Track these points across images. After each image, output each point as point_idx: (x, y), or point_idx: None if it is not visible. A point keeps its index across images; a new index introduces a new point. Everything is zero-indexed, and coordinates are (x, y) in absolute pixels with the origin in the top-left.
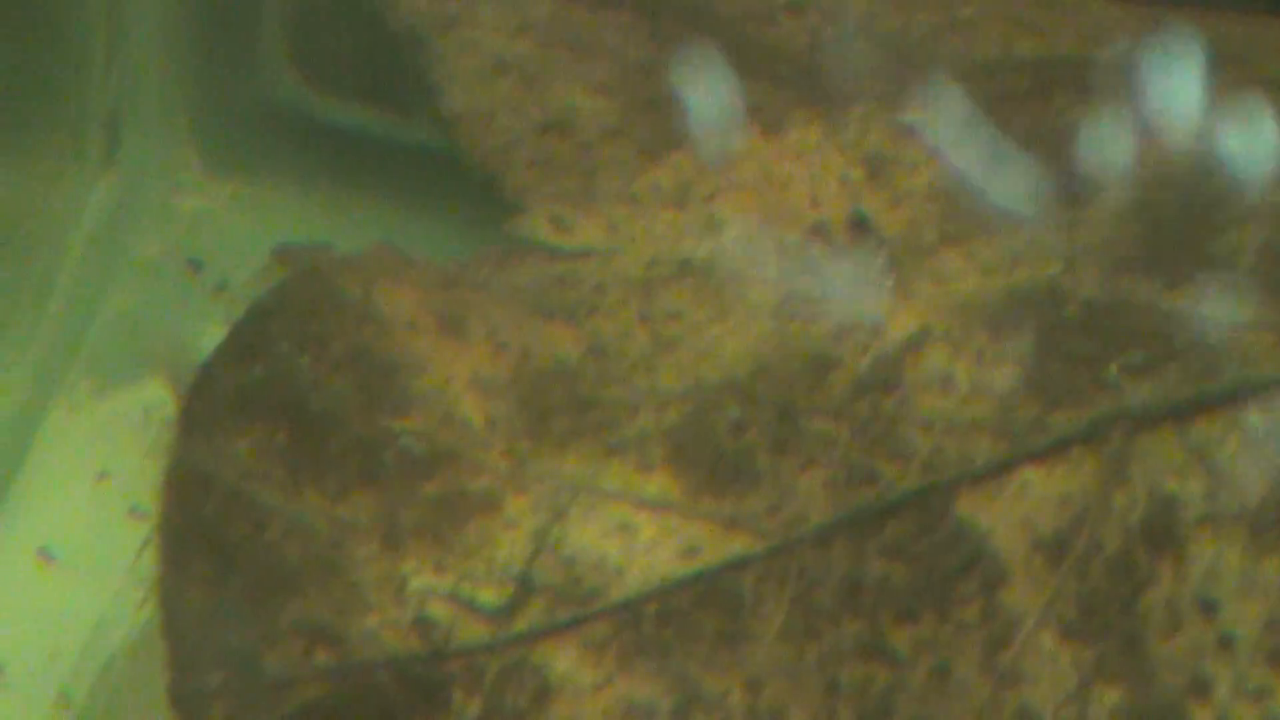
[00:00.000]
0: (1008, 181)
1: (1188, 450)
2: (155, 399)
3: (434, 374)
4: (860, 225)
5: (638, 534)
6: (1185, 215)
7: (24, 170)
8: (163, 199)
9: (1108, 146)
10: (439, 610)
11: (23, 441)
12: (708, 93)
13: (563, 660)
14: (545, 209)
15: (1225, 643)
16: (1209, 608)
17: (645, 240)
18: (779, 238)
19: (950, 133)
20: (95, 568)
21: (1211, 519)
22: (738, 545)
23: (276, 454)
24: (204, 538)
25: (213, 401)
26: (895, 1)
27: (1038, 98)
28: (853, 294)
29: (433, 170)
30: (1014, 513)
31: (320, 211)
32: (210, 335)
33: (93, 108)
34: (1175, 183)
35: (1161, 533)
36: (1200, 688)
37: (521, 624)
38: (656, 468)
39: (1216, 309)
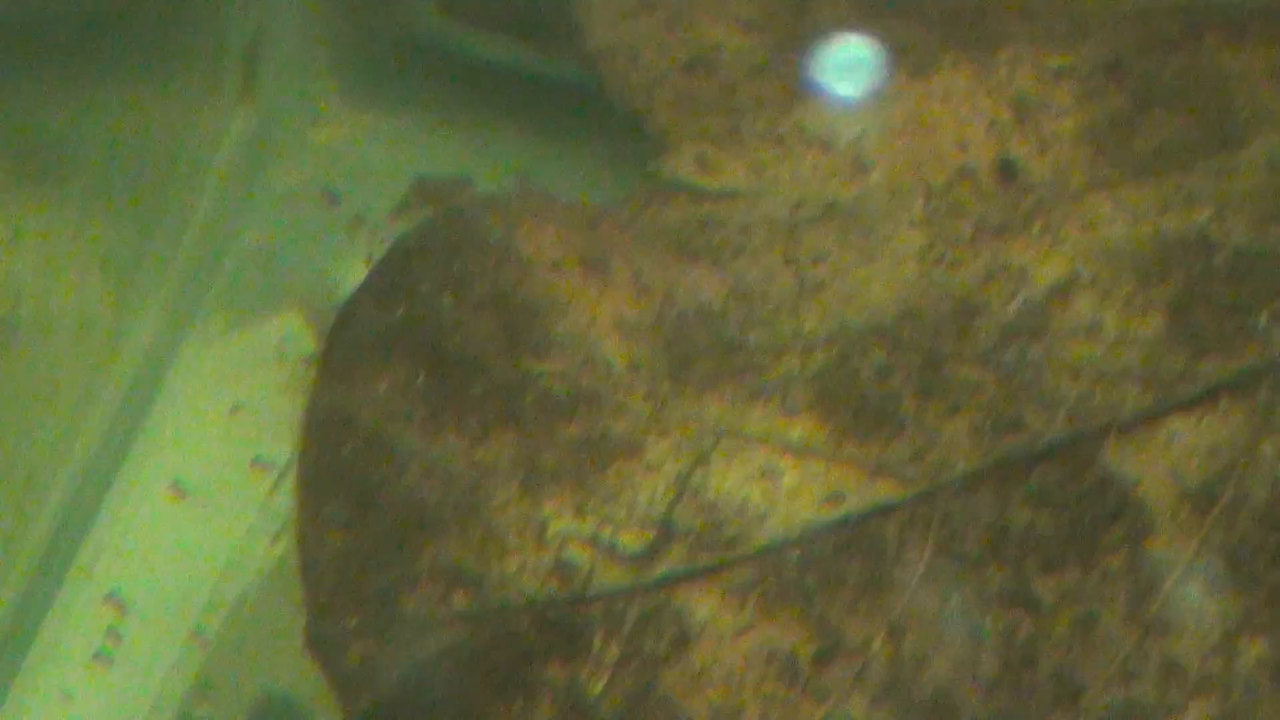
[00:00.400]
0: (1156, 127)
1: None
2: (290, 333)
3: (576, 316)
4: (1008, 169)
5: (781, 479)
6: None
7: (162, 103)
8: (300, 131)
9: (1259, 93)
10: (579, 554)
11: (157, 375)
12: (855, 33)
13: (703, 606)
14: (690, 149)
15: None
16: None
17: (791, 182)
18: (925, 181)
19: (1098, 78)
20: (227, 504)
21: None
22: (882, 491)
23: (417, 395)
24: (342, 480)
25: (354, 342)
26: None
27: (1189, 43)
28: (999, 239)
29: (573, 106)
30: (1161, 462)
31: (458, 145)
32: (347, 269)
33: (231, 40)
34: None
35: None
36: None
37: (662, 569)
38: (800, 412)
39: None
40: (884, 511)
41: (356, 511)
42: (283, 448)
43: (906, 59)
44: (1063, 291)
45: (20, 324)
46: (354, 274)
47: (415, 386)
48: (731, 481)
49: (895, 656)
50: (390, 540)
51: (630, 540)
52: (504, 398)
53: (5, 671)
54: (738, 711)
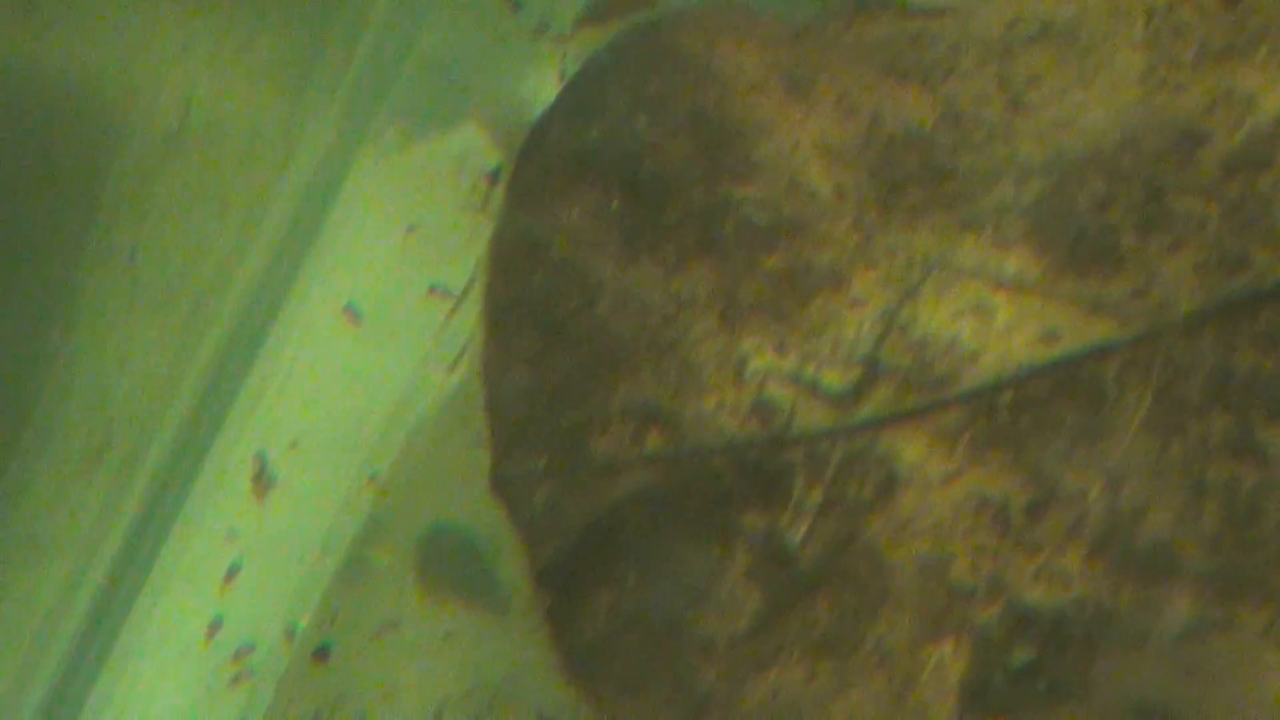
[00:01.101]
0: None
1: None
2: (470, 147)
3: (779, 139)
4: None
5: (994, 316)
6: None
7: None
8: None
9: None
10: (780, 393)
11: (329, 191)
12: None
13: (911, 450)
14: None
15: None
16: None
17: None
18: (1147, 0)
19: None
20: (401, 330)
21: None
22: (1100, 331)
23: (610, 222)
24: (531, 311)
25: (544, 165)
26: None
27: None
28: (1224, 63)
29: None
30: None
31: None
32: (530, 78)
33: None
34: None
35: None
36: None
37: (868, 409)
38: (1015, 245)
39: None
40: (1102, 353)
41: (545, 345)
42: (461, 271)
43: None
44: None
45: (189, 137)
46: (537, 84)
47: (608, 212)
48: (941, 318)
49: (1112, 507)
50: (580, 376)
51: (834, 379)
52: (702, 225)
53: (169, 507)
54: (945, 563)
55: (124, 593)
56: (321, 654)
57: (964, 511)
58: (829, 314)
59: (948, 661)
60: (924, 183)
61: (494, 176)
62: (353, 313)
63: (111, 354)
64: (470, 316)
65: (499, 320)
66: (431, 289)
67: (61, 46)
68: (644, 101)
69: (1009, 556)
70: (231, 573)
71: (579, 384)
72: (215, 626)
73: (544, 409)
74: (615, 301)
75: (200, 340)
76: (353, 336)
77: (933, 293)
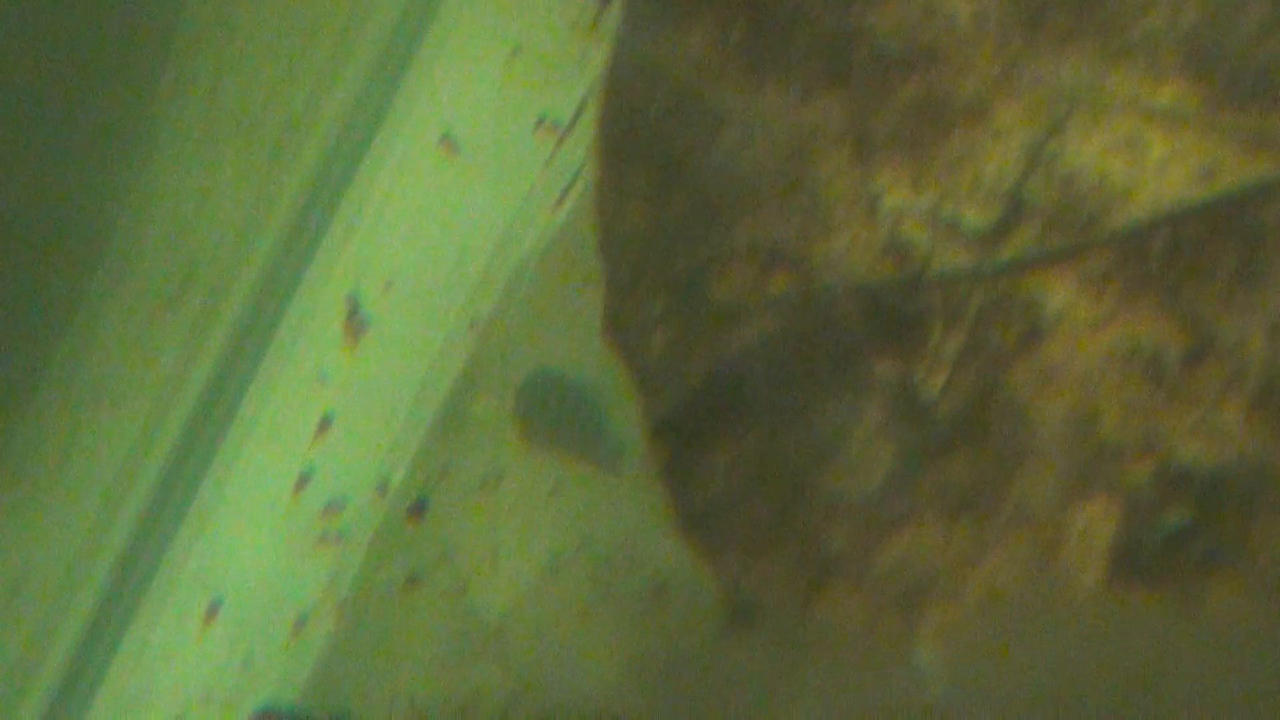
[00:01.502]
0: None
1: None
2: None
3: None
4: None
5: (1147, 151)
6: None
7: None
8: None
9: None
10: (916, 232)
11: (427, 11)
12: None
13: (1057, 294)
14: None
15: None
16: None
17: None
18: None
19: None
20: (504, 162)
21: None
22: (1263, 168)
23: (734, 48)
24: (648, 144)
25: None
26: None
27: None
28: None
29: None
30: None
31: None
32: None
33: None
34: None
35: None
36: None
37: (1010, 250)
38: (1169, 74)
39: None
40: (1264, 191)
41: (663, 180)
42: (570, 98)
43: None
44: None
45: None
46: None
47: (732, 37)
48: (1090, 152)
49: (1274, 358)
50: (701, 213)
51: (974, 217)
52: (832, 52)
53: (253, 352)
54: (1094, 416)
55: (204, 445)
56: (417, 510)
57: (1114, 361)
58: (969, 148)
59: (1096, 523)
60: (1071, 7)
61: None
62: (451, 143)
63: (192, 188)
64: (579, 148)
65: (613, 153)
66: (538, 119)
67: None
68: None
69: (1163, 411)
70: (321, 423)
71: (699, 222)
72: (303, 481)
73: (662, 248)
74: (739, 134)
75: (287, 172)
76: (451, 169)
77: (1081, 125)
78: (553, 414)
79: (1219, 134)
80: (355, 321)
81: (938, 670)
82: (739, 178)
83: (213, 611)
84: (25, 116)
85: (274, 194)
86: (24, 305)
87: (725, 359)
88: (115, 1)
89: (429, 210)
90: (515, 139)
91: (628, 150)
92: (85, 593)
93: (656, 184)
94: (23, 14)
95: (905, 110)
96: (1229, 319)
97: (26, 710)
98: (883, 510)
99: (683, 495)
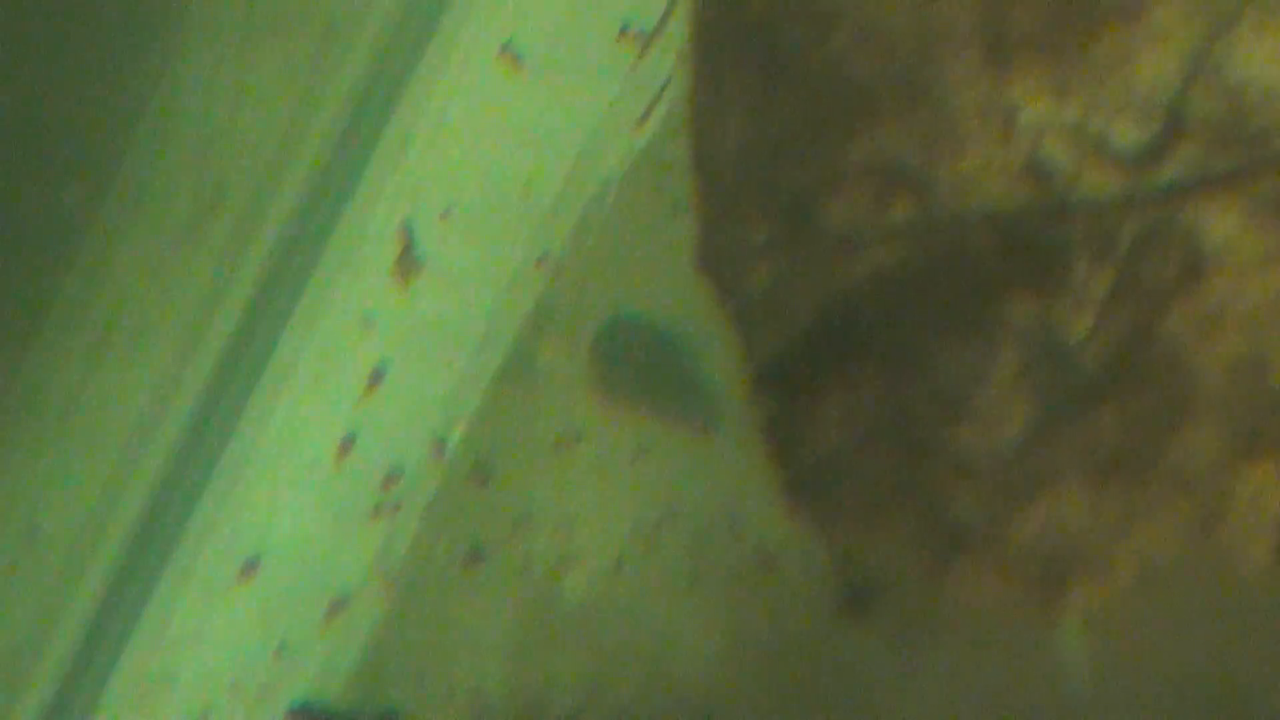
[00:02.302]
0: None
1: None
2: None
3: None
4: None
5: None
6: None
7: None
8: None
9: None
10: (1059, 150)
11: None
12: None
13: (1221, 224)
14: None
15: None
16: None
17: None
18: None
19: None
20: (577, 74)
21: None
22: None
23: None
24: (749, 46)
25: None
26: None
27: None
28: None
29: None
30: None
31: None
32: None
33: None
34: None
35: None
36: None
37: (1169, 172)
38: None
39: None
40: None
41: (767, 88)
42: (657, 5)
43: None
44: None
45: None
46: None
47: None
48: (1261, 59)
49: None
50: (810, 127)
51: (1126, 134)
52: None
53: (291, 288)
54: (1263, 365)
55: (234, 394)
56: (480, 475)
57: None
58: (1121, 52)
59: (1266, 489)
60: None
61: None
62: (514, 53)
63: (223, 94)
64: (667, 56)
65: (708, 59)
66: (620, 25)
67: None
68: None
69: None
70: (367, 373)
71: (808, 136)
72: (349, 439)
73: (765, 168)
74: (855, 34)
75: (331, 79)
76: (516, 83)
77: (1252, 27)
78: (635, 363)
79: None
80: (408, 256)
81: (1082, 658)
82: (855, 85)
83: (243, 586)
84: None
85: (315, 105)
86: (25, 227)
87: (838, 296)
88: None
89: (491, 130)
90: (591, 47)
91: (725, 55)
92: (98, 561)
93: (760, 93)
94: None
95: (1047, 7)
96: None
97: (31, 696)
98: (1020, 472)
99: (789, 456)
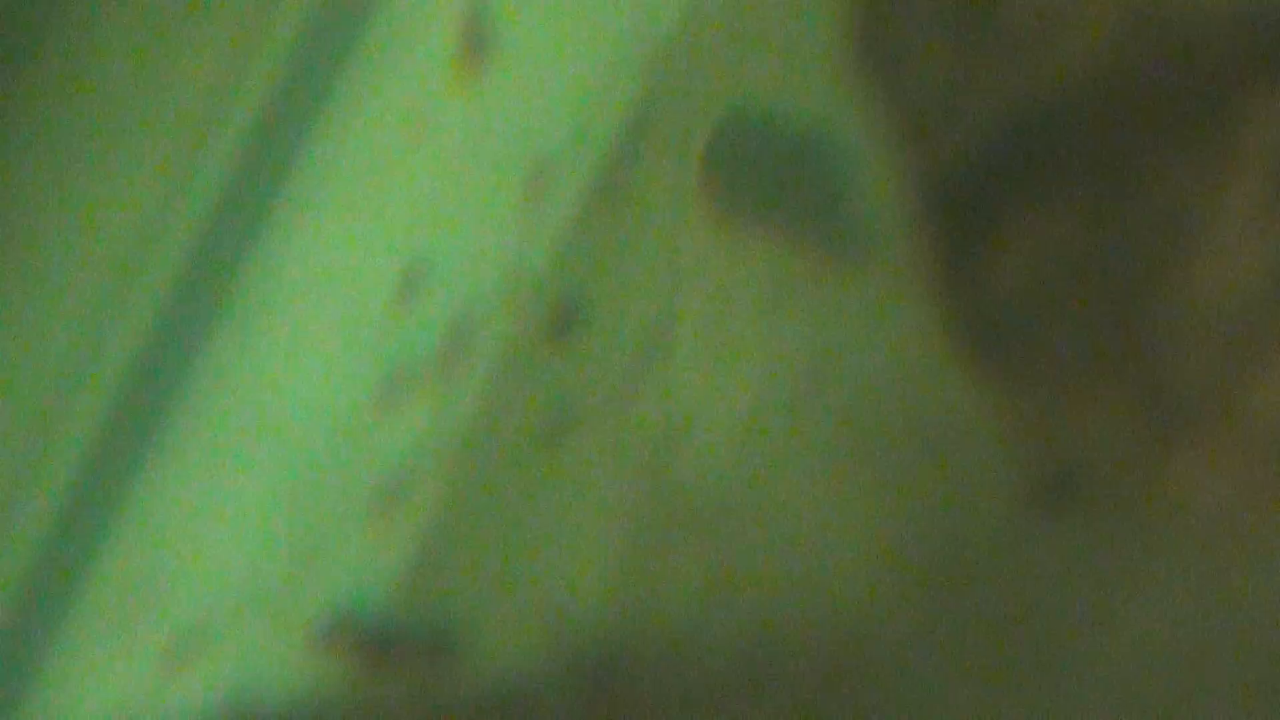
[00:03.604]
0: None
1: None
2: None
3: None
4: None
5: None
6: None
7: None
8: None
9: None
10: None
11: None
12: None
13: None
14: None
15: None
16: None
17: None
18: None
19: None
20: None
21: None
22: None
23: None
24: None
25: None
26: None
27: None
28: None
29: None
30: None
31: None
32: None
33: None
34: None
35: None
36: None
37: None
38: None
39: None
40: None
41: None
42: None
43: None
44: None
45: None
46: None
47: None
48: None
49: None
50: None
51: None
52: None
53: (321, 65)
54: None
55: (251, 203)
56: (565, 324)
57: None
58: None
59: None
60: None
61: None
62: None
63: None
64: None
65: None
66: None
67: None
68: None
69: None
70: (423, 195)
71: None
72: (397, 278)
73: None
74: None
75: None
76: None
77: None
78: (764, 177)
79: None
80: (474, 36)
81: None
82: None
83: (263, 462)
84: None
85: None
86: None
87: (1034, 100)
88: None
89: None
90: None
91: None
92: (79, 423)
93: None
94: None
95: None
96: None
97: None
98: (1261, 328)
99: (965, 299)
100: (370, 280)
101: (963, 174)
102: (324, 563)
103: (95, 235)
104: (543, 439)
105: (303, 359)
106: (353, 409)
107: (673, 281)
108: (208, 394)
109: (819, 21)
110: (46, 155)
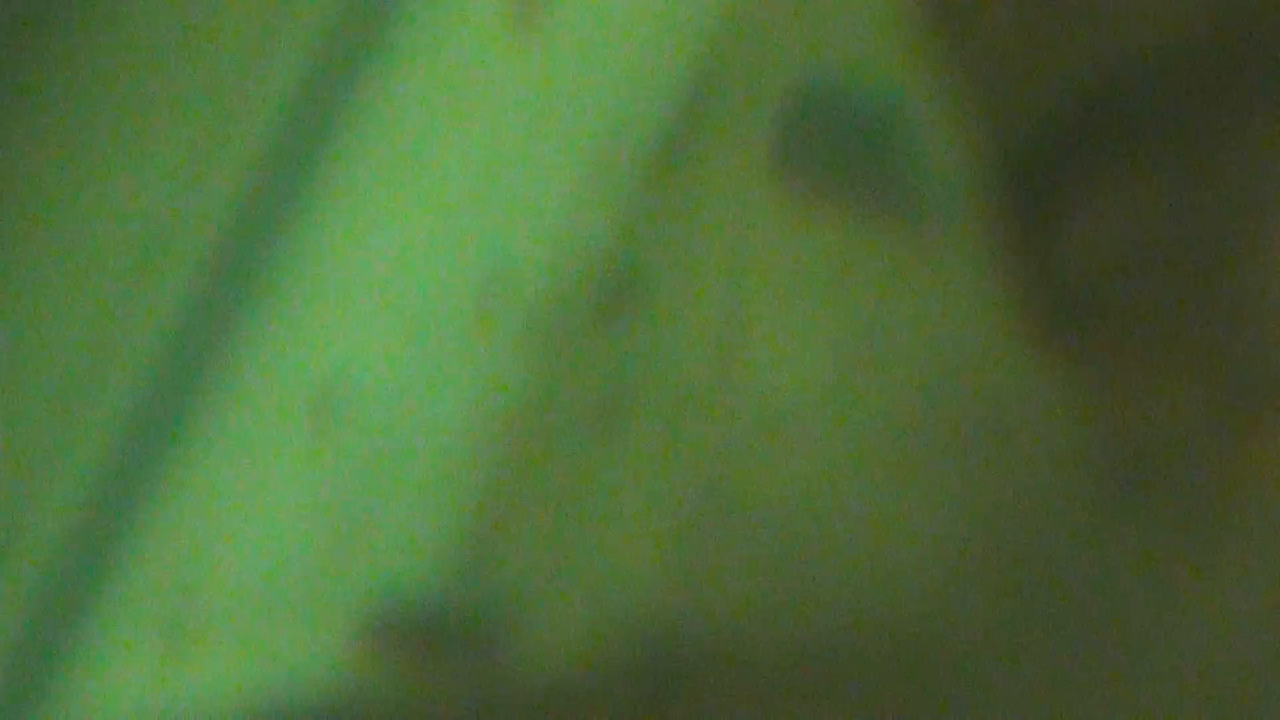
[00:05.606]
0: None
1: None
2: None
3: None
4: None
5: None
6: None
7: None
8: None
9: None
10: None
11: None
12: None
13: None
14: None
15: None
16: None
17: None
18: None
19: None
20: None
21: None
22: None
23: None
24: None
25: None
26: None
27: None
28: None
29: None
30: None
31: None
32: None
33: None
34: None
35: None
36: None
37: None
38: None
39: None
40: None
41: None
42: None
43: None
44: None
45: None
46: None
47: None
48: None
49: None
50: None
51: None
52: None
53: (357, 20)
54: None
55: (285, 177)
56: (621, 295)
57: None
58: None
59: None
60: None
61: None
62: None
63: None
64: None
65: None
66: None
67: None
68: None
69: None
70: (472, 159)
71: None
72: (444, 242)
73: None
74: None
75: None
76: None
77: None
78: (830, 147)
79: None
80: None
81: None
82: None
83: (302, 435)
84: None
85: None
86: None
87: (1109, 68)
88: None
89: None
90: None
91: None
92: (109, 406)
93: None
94: None
95: None
96: None
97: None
98: None
99: (1039, 272)
100: (418, 254)
101: (1035, 147)
102: (367, 551)
103: (131, 200)
104: (599, 419)
105: (347, 335)
106: (400, 387)
107: (740, 257)
108: (242, 374)
109: None
110: (75, 127)
